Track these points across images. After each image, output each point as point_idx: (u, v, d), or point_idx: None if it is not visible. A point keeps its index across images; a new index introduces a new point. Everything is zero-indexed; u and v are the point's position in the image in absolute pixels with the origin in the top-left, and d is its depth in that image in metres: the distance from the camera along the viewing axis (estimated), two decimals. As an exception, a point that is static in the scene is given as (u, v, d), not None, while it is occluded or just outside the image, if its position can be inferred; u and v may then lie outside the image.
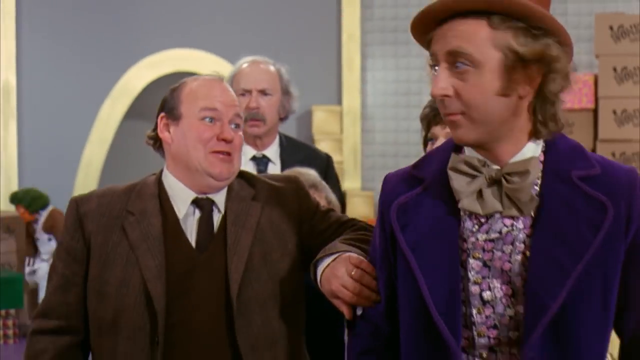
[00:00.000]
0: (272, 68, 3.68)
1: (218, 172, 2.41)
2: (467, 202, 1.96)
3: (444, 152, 2.06)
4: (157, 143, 2.51)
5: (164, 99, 2.50)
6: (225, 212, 2.45)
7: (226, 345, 2.36)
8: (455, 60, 1.89)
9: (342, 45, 8.47)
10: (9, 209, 8.22)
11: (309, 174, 3.03)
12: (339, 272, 2.14)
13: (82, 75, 8.42)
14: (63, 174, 8.43)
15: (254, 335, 2.36)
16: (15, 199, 8.15)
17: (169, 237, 2.41)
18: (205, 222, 2.44)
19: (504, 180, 1.95)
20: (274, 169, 3.64)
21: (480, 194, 1.96)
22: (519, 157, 1.96)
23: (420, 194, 2.04)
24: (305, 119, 8.18)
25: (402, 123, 8.42)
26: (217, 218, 2.45)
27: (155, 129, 2.50)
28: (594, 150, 7.13)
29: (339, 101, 8.49)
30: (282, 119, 3.73)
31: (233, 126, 2.45)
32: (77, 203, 2.48)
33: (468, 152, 2.02)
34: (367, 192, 8.26)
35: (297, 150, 3.75)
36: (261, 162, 3.68)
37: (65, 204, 9.29)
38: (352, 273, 2.12)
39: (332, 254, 2.22)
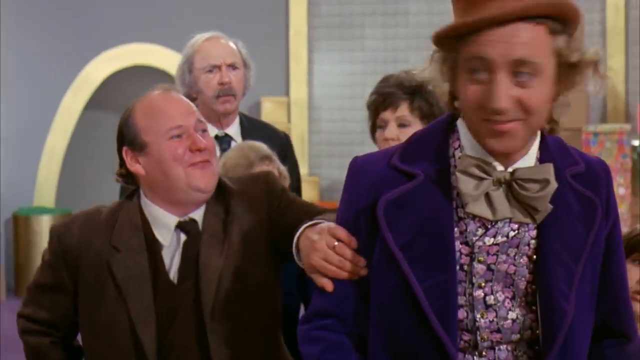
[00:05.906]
0: (231, 42, 3.56)
1: (203, 184, 2.29)
2: (476, 207, 1.77)
3: (434, 141, 1.86)
4: (128, 178, 2.37)
5: (119, 132, 2.34)
6: (203, 233, 2.32)
7: None
8: (518, 69, 1.69)
9: (289, 40, 8.54)
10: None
11: (261, 146, 2.95)
12: (318, 245, 1.91)
13: (45, 67, 8.39)
14: (26, 162, 8.41)
15: (229, 355, 2.27)
16: None
17: (154, 274, 2.30)
18: (190, 247, 2.32)
19: (516, 185, 1.77)
20: None
21: (487, 196, 1.78)
22: (526, 159, 1.81)
23: (412, 190, 1.82)
24: (254, 110, 8.13)
25: (347, 113, 8.50)
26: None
27: (122, 164, 2.35)
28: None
29: (287, 92, 8.56)
30: (243, 95, 3.58)
31: (200, 132, 2.32)
32: (59, 238, 2.36)
33: (470, 148, 1.81)
34: (313, 178, 8.46)
35: (258, 129, 3.57)
36: (224, 140, 3.50)
37: (28, 190, 9.56)
38: (335, 245, 1.89)
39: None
